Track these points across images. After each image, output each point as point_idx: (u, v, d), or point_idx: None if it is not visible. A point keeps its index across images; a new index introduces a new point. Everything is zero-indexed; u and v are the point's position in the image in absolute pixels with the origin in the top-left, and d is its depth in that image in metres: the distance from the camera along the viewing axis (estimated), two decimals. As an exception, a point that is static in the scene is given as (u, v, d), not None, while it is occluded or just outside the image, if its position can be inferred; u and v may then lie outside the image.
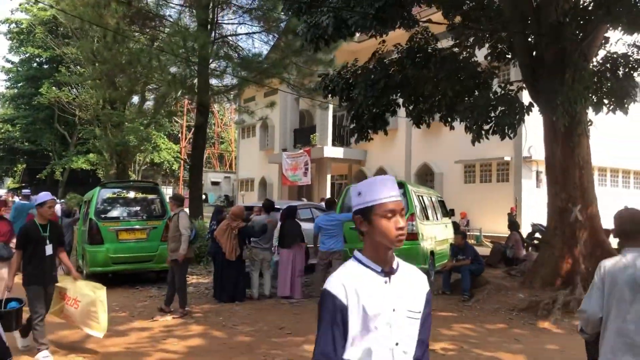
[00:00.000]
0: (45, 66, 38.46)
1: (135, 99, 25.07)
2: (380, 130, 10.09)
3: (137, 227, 10.01)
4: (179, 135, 45.62)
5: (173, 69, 14.93)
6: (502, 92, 9.26)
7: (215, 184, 41.93)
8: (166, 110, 17.11)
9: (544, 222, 15.13)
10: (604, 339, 2.84)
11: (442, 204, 11.61)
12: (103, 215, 9.86)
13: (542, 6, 8.58)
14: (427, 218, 10.00)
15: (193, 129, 17.35)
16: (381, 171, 24.81)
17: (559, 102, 7.85)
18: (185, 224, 7.82)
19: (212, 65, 16.23)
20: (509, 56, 10.77)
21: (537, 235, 12.76)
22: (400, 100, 10.31)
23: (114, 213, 10.09)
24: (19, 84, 40.75)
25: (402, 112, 11.24)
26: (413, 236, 9.07)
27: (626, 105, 9.43)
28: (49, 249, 5.62)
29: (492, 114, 8.65)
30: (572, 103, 7.84)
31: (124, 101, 21.21)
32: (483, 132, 8.74)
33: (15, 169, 46.23)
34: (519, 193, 19.38)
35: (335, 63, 17.13)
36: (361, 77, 9.20)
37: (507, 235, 17.26)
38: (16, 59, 40.76)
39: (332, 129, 26.54)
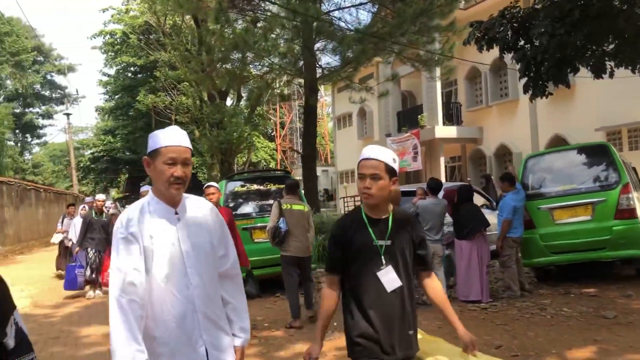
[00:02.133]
0: (139, 76, 38.85)
1: (229, 100, 24.32)
2: (562, 84, 7.88)
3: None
4: (273, 133, 44.92)
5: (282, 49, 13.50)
6: None
7: (313, 178, 40.78)
8: (278, 95, 15.73)
9: None
10: None
11: (635, 171, 9.23)
12: (233, 213, 8.45)
13: None
14: (635, 189, 7.75)
15: (302, 116, 15.82)
16: (503, 148, 22.35)
17: None
18: (271, 216, 6.85)
19: (319, 45, 14.71)
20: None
21: None
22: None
23: (246, 209, 8.63)
24: (117, 96, 41.56)
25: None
26: (630, 213, 6.91)
27: None
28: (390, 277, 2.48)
29: None
30: None
31: (229, 89, 20.19)
32: None
33: (118, 179, 47.50)
34: (683, 158, 16.35)
35: (457, 26, 15.08)
36: (544, 10, 7.12)
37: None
38: (112, 71, 41.63)
39: (441, 106, 24.29)
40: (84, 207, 11.45)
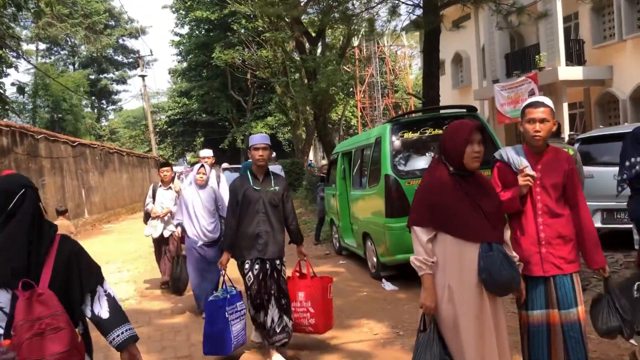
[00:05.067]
0: (211, 34, 36.95)
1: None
2: None
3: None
4: (351, 89, 42.29)
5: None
6: None
7: (398, 135, 38.08)
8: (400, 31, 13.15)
9: None
10: None
11: None
12: (405, 169, 6.08)
13: None
14: None
15: (422, 55, 13.24)
16: (641, 91, 18.89)
17: None
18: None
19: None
20: None
21: None
22: None
23: (420, 163, 6.24)
24: (189, 56, 39.97)
25: None
26: None
27: None
28: None
29: None
30: None
31: (322, 33, 17.84)
32: None
33: (194, 142, 46.51)
34: None
35: None
36: None
37: None
38: (184, 30, 39.97)
39: (563, 44, 20.85)
40: (183, 174, 7.80)
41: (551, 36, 20.91)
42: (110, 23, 48.82)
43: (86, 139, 32.40)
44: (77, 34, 38.63)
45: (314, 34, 19.08)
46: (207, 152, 7.84)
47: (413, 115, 6.77)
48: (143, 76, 34.41)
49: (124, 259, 10.67)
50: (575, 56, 21.54)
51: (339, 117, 36.87)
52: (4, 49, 22.48)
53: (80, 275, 2.17)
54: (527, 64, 22.43)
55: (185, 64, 41.65)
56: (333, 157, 9.51)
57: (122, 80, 52.97)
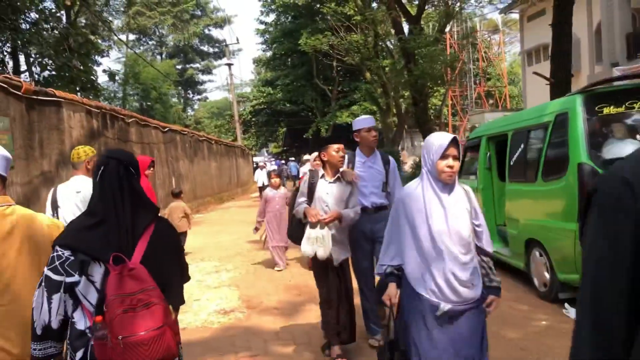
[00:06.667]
0: (298, 20, 36.02)
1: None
2: None
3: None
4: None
5: None
6: None
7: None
8: None
9: None
10: None
11: None
12: (607, 157, 4.55)
13: None
14: None
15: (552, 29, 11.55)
16: None
17: None
18: None
19: None
20: None
21: None
22: None
23: (631, 148, 4.66)
24: (274, 45, 39.31)
25: None
26: None
27: None
28: None
29: None
30: None
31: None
32: None
33: (276, 133, 45.99)
34: None
35: None
36: None
37: None
38: (270, 19, 39.31)
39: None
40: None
41: (689, 11, 18.28)
42: (196, 13, 49.17)
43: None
44: (165, 22, 38.93)
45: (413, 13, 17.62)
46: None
47: (613, 84, 5.04)
48: (229, 64, 34.07)
49: (219, 255, 9.61)
50: None
51: (442, 103, 35.16)
52: (95, 36, 22.49)
53: (171, 264, 2.09)
54: (655, 44, 19.87)
55: (270, 53, 41.08)
56: (471, 142, 7.98)
57: (208, 70, 53.43)
